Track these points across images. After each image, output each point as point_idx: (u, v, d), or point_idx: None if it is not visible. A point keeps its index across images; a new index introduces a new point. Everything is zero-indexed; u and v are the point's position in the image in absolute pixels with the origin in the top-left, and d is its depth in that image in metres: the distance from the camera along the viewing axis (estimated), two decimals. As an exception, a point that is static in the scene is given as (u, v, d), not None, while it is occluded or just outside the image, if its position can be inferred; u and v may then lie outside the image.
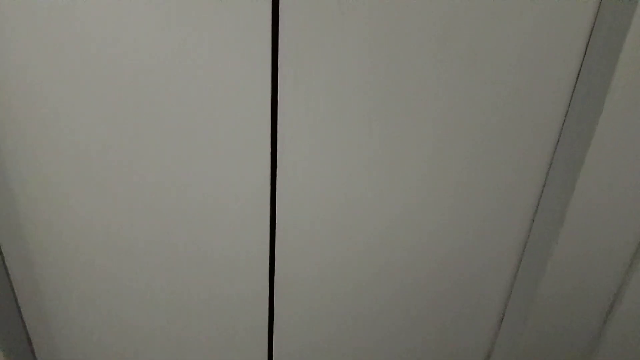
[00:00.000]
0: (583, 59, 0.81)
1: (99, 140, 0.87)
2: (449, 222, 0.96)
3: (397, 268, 1.01)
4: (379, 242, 0.98)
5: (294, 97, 0.83)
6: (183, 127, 0.86)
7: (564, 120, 0.87)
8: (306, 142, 0.88)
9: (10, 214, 0.96)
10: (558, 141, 0.89)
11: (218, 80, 0.82)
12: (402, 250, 0.99)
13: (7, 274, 1.00)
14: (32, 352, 1.11)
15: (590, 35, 0.80)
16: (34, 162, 0.89)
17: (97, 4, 0.76)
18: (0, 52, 0.80)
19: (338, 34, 0.79)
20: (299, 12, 0.77)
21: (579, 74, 0.83)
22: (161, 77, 0.81)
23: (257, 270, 1.01)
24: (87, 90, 0.82)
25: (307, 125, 0.86)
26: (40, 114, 0.85)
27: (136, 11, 0.76)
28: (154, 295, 1.03)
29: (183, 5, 0.76)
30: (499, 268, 1.02)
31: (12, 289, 1.02)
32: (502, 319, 1.08)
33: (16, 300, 1.03)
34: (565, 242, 0.88)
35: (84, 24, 0.77)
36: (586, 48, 0.80)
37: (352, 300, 1.05)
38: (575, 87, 0.84)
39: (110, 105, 0.84)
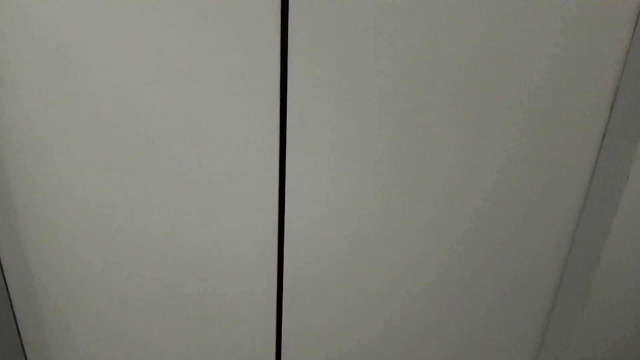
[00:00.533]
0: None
1: (105, 188, 0.89)
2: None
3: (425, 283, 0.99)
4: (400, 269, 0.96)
5: (302, 144, 0.84)
6: (190, 175, 0.87)
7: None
8: (314, 194, 0.89)
9: (20, 260, 0.97)
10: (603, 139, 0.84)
11: (225, 133, 0.83)
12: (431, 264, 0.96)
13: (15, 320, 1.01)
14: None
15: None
16: (42, 209, 0.92)
17: (104, 57, 0.78)
18: (7, 104, 0.82)
19: (345, 81, 0.79)
20: (308, 61, 0.78)
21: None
22: (166, 127, 0.83)
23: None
24: (92, 141, 0.84)
25: (315, 170, 0.87)
26: (48, 164, 0.87)
27: (142, 60, 0.78)
28: (158, 304, 1.02)
29: (190, 51, 0.77)
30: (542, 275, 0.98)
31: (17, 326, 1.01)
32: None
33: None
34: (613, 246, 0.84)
35: (90, 75, 0.79)
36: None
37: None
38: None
39: (115, 156, 0.86)
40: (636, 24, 0.74)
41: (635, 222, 0.81)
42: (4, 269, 0.99)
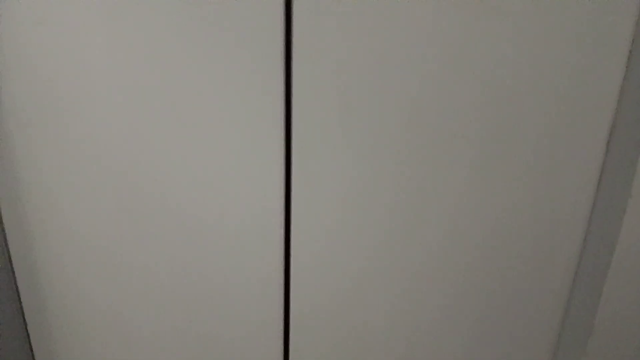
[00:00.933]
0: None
1: (112, 226, 0.91)
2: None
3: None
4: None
5: (308, 177, 0.87)
6: (195, 210, 0.89)
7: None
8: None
9: (34, 293, 0.98)
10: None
11: (229, 170, 0.86)
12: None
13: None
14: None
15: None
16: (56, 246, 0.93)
17: (110, 100, 0.81)
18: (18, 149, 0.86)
19: (352, 117, 0.83)
20: (312, 108, 0.81)
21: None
22: (170, 165, 0.86)
23: None
24: (97, 183, 0.88)
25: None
26: (60, 205, 0.90)
27: (147, 102, 0.81)
28: (163, 340, 1.02)
29: (194, 91, 0.81)
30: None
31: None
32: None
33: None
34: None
35: (96, 117, 0.83)
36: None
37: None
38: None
39: (121, 195, 0.89)
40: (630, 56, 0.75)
41: (634, 259, 0.80)
42: (20, 294, 1.00)
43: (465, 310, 0.95)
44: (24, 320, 1.01)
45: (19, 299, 0.99)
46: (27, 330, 1.02)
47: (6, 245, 0.94)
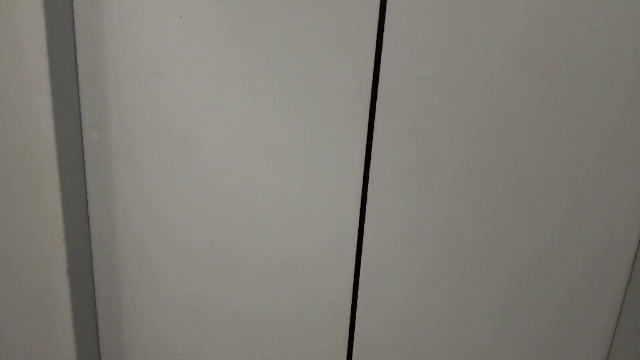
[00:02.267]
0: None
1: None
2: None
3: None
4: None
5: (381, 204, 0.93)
6: (277, 234, 0.97)
7: None
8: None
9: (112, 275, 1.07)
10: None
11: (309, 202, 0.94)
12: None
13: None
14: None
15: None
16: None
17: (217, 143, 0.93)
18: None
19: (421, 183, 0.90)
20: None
21: None
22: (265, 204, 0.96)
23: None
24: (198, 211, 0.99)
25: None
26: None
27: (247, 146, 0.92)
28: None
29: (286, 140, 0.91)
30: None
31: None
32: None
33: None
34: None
35: (200, 160, 0.94)
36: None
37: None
38: None
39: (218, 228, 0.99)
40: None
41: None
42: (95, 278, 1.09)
43: (518, 330, 1.01)
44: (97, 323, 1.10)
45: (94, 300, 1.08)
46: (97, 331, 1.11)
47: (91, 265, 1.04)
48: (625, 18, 0.78)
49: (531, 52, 0.81)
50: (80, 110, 0.96)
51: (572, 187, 0.89)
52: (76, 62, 0.93)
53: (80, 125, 0.96)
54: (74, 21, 0.90)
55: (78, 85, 0.94)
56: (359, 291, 0.99)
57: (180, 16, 0.87)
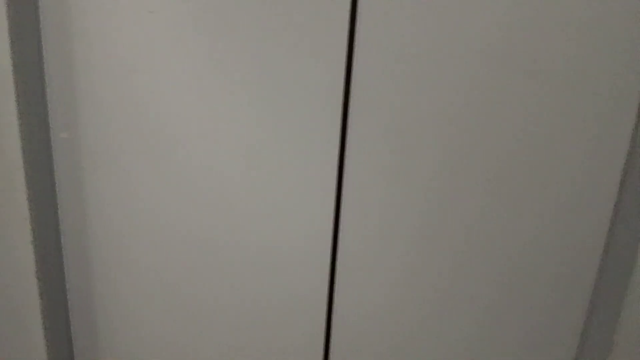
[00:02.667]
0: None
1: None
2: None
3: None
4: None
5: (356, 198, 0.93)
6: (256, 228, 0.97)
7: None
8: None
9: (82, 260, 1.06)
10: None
11: (286, 207, 0.95)
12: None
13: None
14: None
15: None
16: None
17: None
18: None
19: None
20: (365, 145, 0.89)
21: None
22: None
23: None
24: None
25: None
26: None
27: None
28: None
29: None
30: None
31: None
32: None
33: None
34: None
35: (177, 155, 0.94)
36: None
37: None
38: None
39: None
40: None
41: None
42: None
43: (496, 326, 1.03)
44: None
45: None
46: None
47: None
48: (605, 16, 0.79)
49: (508, 49, 0.82)
50: (47, 110, 0.94)
51: (549, 185, 0.90)
52: (42, 62, 0.91)
53: (48, 125, 0.95)
54: (39, 19, 0.88)
55: (44, 85, 0.92)
56: (335, 284, 1.01)
57: (151, 12, 0.86)
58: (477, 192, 0.91)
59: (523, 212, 0.92)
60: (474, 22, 0.81)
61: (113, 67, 0.90)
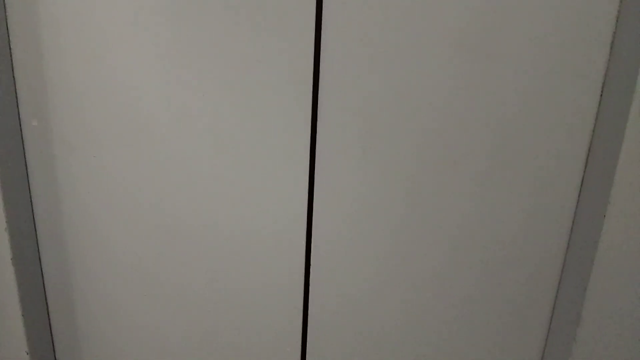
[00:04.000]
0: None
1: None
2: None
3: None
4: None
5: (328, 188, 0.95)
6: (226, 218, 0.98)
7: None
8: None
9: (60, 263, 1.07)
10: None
11: (260, 192, 0.96)
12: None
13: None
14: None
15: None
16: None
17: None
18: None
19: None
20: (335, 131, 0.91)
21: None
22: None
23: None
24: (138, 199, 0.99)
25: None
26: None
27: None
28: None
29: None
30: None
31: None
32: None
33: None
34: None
35: (140, 144, 0.94)
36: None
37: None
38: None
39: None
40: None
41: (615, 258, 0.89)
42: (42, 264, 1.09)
43: (469, 311, 1.04)
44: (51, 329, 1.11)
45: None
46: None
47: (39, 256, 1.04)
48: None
49: (478, 33, 0.83)
50: (17, 98, 0.95)
51: (520, 173, 0.92)
52: (10, 49, 0.92)
53: (18, 113, 0.96)
54: (5, 7, 0.89)
55: (13, 73, 0.93)
56: (311, 268, 1.02)
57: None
58: (451, 179, 0.92)
59: (497, 198, 0.93)
60: (443, 6, 0.82)
61: (81, 52, 0.91)
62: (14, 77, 0.93)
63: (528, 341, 1.03)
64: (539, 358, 1.04)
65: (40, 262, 1.06)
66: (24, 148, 0.98)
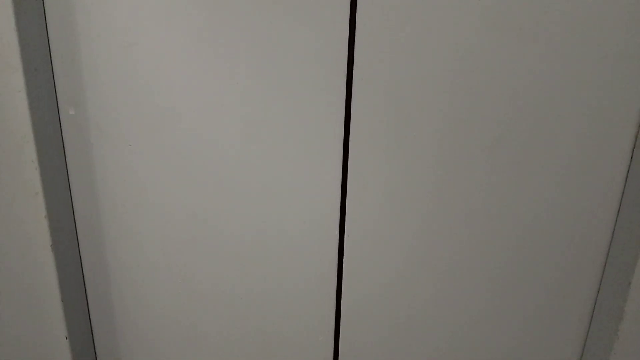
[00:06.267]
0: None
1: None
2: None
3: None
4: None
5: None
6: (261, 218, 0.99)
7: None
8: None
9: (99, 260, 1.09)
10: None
11: (293, 186, 0.96)
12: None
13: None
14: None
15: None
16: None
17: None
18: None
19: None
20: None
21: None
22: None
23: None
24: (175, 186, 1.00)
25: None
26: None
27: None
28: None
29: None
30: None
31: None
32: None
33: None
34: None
35: (177, 132, 0.94)
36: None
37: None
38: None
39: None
40: None
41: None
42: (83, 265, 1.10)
43: (505, 303, 1.03)
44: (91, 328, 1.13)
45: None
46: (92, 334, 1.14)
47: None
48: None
49: (510, 11, 0.80)
50: (55, 86, 0.95)
51: (556, 164, 0.89)
52: (48, 37, 0.91)
53: (57, 101, 0.96)
54: (43, -2, 0.89)
55: (51, 61, 0.93)
56: (344, 265, 1.01)
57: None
58: (485, 168, 0.90)
59: (536, 187, 0.91)
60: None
61: (115, 40, 0.90)
62: (52, 66, 0.93)
63: (568, 335, 1.02)
64: (579, 353, 1.03)
65: (79, 248, 1.08)
66: (62, 137, 0.99)
